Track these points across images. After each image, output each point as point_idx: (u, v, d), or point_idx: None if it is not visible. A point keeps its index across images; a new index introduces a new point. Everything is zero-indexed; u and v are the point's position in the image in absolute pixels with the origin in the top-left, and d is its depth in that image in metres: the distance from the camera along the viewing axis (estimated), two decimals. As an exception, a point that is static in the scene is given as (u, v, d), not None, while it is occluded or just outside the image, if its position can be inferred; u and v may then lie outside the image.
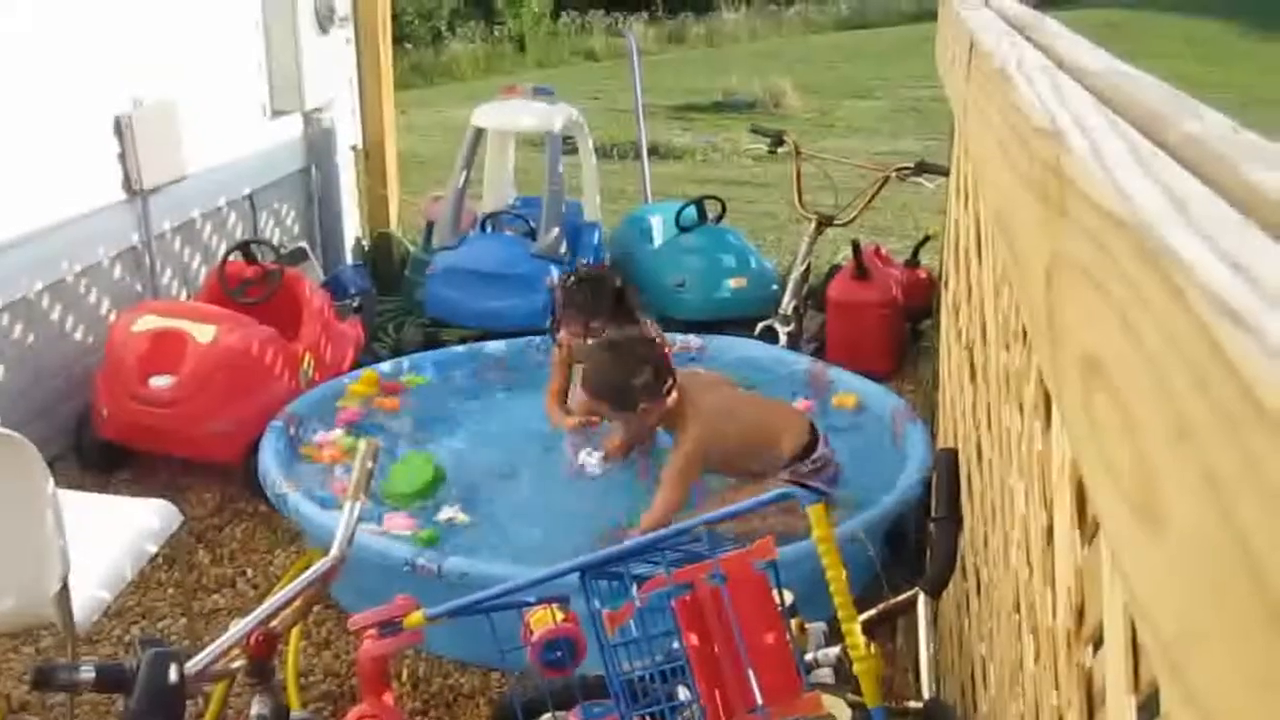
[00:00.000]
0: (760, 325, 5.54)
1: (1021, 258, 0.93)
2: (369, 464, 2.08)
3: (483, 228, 6.18)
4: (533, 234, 5.96)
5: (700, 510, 3.22)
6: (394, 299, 6.51)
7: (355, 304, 5.97)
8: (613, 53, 21.18)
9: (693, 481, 3.67)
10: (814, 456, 3.77)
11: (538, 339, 5.17)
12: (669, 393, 3.69)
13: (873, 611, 2.02)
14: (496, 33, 22.82)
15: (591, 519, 3.80)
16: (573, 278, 4.37)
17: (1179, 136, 0.70)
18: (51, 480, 2.62)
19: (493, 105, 6.32)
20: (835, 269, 6.05)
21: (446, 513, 3.90)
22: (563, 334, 4.34)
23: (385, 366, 5.02)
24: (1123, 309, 0.55)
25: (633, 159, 8.69)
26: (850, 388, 4.72)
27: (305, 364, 4.91)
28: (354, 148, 7.14)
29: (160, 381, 4.37)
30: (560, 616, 1.82)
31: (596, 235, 6.36)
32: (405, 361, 5.09)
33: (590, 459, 4.15)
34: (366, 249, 7.19)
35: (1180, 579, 0.47)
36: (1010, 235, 1.03)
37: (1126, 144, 0.72)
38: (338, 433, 4.39)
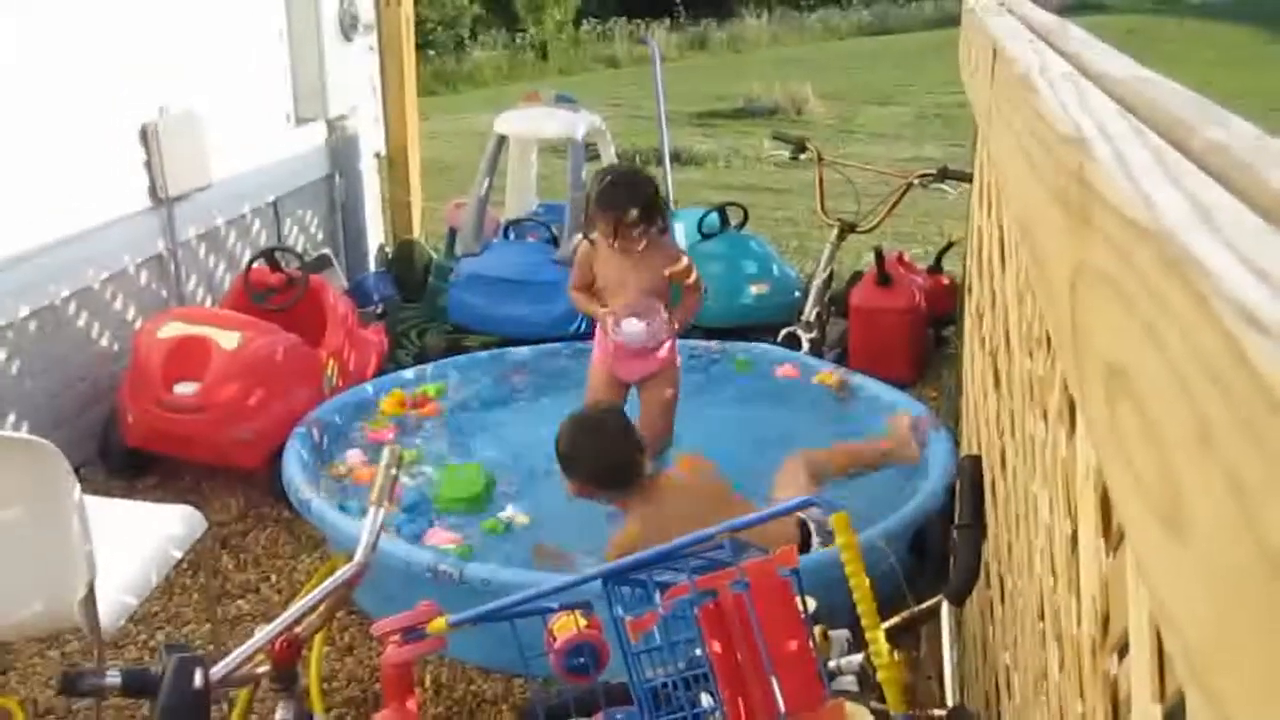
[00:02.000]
0: (783, 332, 5.53)
1: (1045, 265, 0.93)
2: (393, 470, 2.09)
3: (505, 234, 6.19)
4: (555, 241, 5.97)
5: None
6: (417, 306, 6.54)
7: (379, 311, 6.00)
8: (634, 59, 21.24)
9: None
10: None
11: (561, 345, 5.19)
12: (616, 486, 3.65)
13: (896, 619, 2.02)
14: (519, 40, 22.91)
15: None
16: (608, 176, 4.32)
17: (1203, 143, 0.70)
18: (78, 486, 2.64)
19: (515, 112, 6.33)
20: (858, 275, 6.04)
21: (510, 511, 4.01)
22: (596, 234, 4.32)
23: (409, 374, 5.04)
24: (1146, 317, 0.55)
25: (655, 165, 8.69)
26: (872, 394, 4.73)
27: (329, 370, 4.93)
28: (377, 155, 7.18)
29: (185, 388, 4.40)
30: (583, 623, 1.82)
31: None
32: (429, 368, 5.11)
33: (633, 326, 4.22)
34: (390, 256, 7.22)
35: (1204, 585, 0.47)
36: (1033, 243, 1.03)
37: (1150, 151, 0.72)
38: (360, 453, 4.43)
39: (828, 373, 4.92)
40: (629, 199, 4.17)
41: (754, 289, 6.10)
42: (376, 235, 7.25)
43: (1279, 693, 0.40)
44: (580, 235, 4.45)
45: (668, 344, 4.42)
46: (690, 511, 3.47)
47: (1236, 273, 0.47)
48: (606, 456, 3.63)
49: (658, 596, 1.75)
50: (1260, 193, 0.57)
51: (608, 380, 4.47)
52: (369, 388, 4.87)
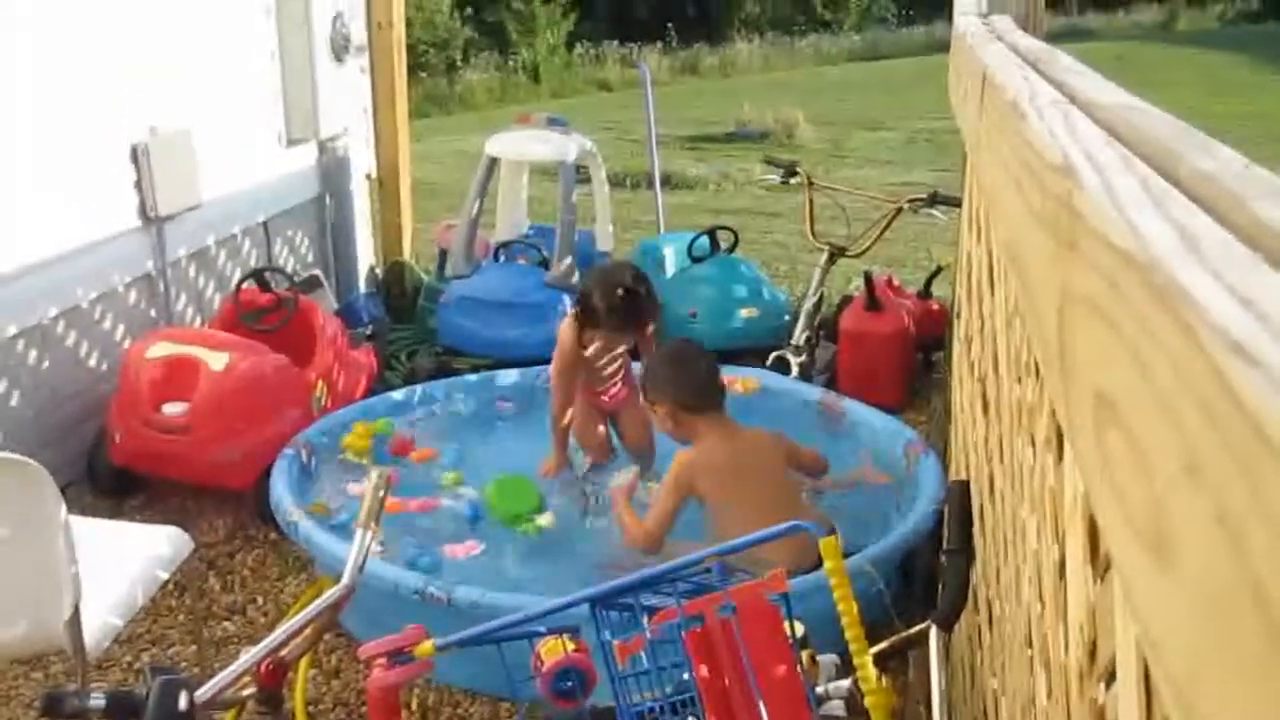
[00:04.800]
0: (772, 355, 5.54)
1: (1033, 292, 0.93)
2: (380, 493, 2.09)
3: (496, 257, 6.19)
4: (546, 263, 5.98)
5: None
6: (407, 327, 6.53)
7: (368, 332, 5.99)
8: (626, 83, 21.32)
9: (671, 507, 3.67)
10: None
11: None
12: (681, 409, 3.77)
13: (884, 644, 2.01)
14: (510, 63, 22.97)
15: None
16: (619, 287, 4.14)
17: (1190, 172, 0.70)
18: (64, 506, 2.63)
19: (506, 135, 6.34)
20: (847, 300, 6.05)
21: (541, 519, 4.12)
22: (597, 346, 4.30)
23: (398, 395, 5.04)
24: (1133, 345, 0.55)
25: (646, 189, 8.72)
26: (860, 418, 4.73)
27: (318, 392, 4.92)
28: (368, 176, 7.18)
29: (173, 408, 4.38)
30: (571, 647, 1.82)
31: (609, 265, 6.36)
32: (418, 390, 5.10)
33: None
34: (380, 277, 7.22)
35: (1191, 615, 0.47)
36: (1022, 269, 1.03)
37: (1138, 180, 0.72)
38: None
39: (747, 379, 5.11)
40: (653, 306, 4.27)
41: (744, 312, 6.10)
42: (367, 256, 7.25)
43: (1265, 722, 0.40)
44: (578, 324, 4.35)
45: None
46: (754, 452, 3.77)
47: (1223, 302, 0.47)
48: (693, 377, 3.79)
49: (645, 620, 1.74)
50: (1247, 222, 0.57)
51: (590, 410, 4.52)
52: (358, 409, 4.86)
